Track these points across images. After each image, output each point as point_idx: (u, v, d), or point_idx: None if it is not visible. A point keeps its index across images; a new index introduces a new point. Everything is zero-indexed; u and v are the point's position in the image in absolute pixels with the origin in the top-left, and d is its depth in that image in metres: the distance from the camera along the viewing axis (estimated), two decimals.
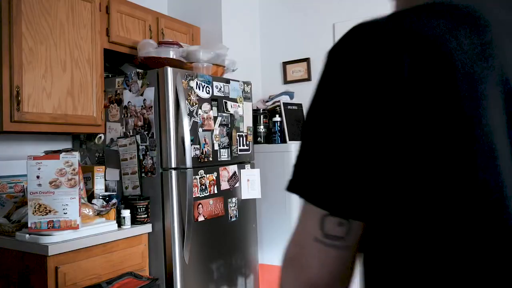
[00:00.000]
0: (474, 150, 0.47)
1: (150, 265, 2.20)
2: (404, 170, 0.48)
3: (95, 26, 2.30)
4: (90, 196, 2.28)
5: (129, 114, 2.29)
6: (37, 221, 1.80)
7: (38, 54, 2.03)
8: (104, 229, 2.01)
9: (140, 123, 2.25)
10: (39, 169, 1.81)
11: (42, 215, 1.80)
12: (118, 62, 2.66)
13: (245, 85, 2.66)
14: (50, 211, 1.80)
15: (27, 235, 1.83)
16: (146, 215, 2.18)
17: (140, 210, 2.17)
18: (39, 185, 1.80)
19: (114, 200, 2.18)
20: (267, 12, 3.46)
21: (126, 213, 2.13)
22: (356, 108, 0.49)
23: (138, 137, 2.25)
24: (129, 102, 2.29)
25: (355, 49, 0.51)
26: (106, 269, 1.97)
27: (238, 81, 2.61)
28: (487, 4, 0.53)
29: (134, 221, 2.16)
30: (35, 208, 1.80)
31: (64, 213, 1.81)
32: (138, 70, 2.32)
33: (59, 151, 2.28)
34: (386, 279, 0.52)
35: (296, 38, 3.32)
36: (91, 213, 2.02)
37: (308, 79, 3.24)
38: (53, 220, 1.81)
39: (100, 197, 2.22)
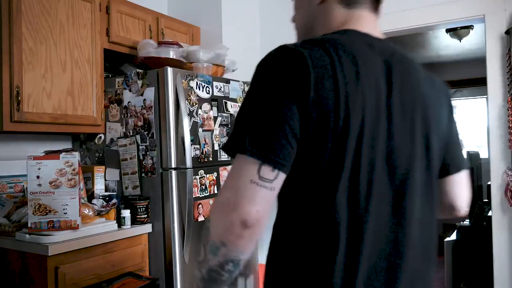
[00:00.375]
0: (343, 152, 0.73)
1: (150, 265, 2.20)
2: (303, 148, 0.74)
3: (95, 26, 2.30)
4: (90, 196, 2.28)
5: (129, 114, 2.29)
6: (37, 221, 1.80)
7: (38, 54, 2.03)
8: (104, 229, 2.01)
9: (140, 123, 2.25)
10: (39, 169, 1.81)
11: (42, 215, 1.80)
12: (118, 62, 2.66)
13: (245, 85, 2.66)
14: (50, 211, 1.80)
15: (27, 235, 1.83)
16: (146, 215, 2.18)
17: (140, 210, 2.17)
18: (39, 185, 1.80)
19: (114, 200, 2.18)
20: (267, 12, 3.46)
21: (126, 213, 2.13)
22: (291, 94, 0.73)
23: (138, 137, 2.25)
24: (129, 102, 2.29)
25: (279, 62, 0.77)
26: (106, 269, 1.97)
27: (238, 81, 2.61)
28: (356, 44, 0.80)
29: (134, 221, 2.16)
30: (35, 208, 1.80)
31: (64, 213, 1.81)
32: (138, 70, 2.32)
33: (59, 151, 2.28)
34: (287, 219, 0.80)
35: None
36: (91, 213, 2.02)
37: None
38: (53, 220, 1.81)
39: (100, 197, 2.22)
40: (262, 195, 0.71)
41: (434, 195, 0.87)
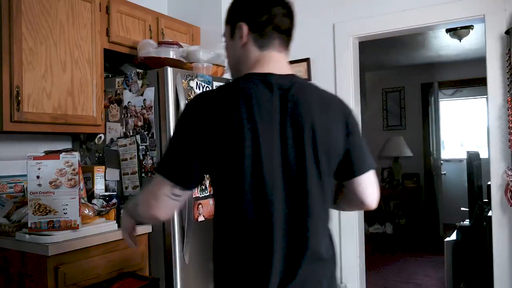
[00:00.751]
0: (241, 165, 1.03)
1: (150, 265, 2.20)
2: (211, 168, 1.07)
3: (95, 26, 2.30)
4: (90, 196, 2.28)
5: (129, 114, 2.29)
6: (37, 221, 1.80)
7: (38, 54, 2.03)
8: (104, 229, 2.01)
9: (140, 123, 2.25)
10: (39, 169, 1.81)
11: (42, 215, 1.80)
12: (118, 62, 2.66)
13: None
14: (50, 211, 1.80)
15: (27, 235, 1.83)
16: None
17: None
18: (39, 185, 1.80)
19: (114, 200, 2.18)
20: None
21: None
22: (191, 132, 1.05)
23: (138, 137, 2.25)
24: (129, 102, 2.29)
25: (194, 105, 1.08)
26: (106, 269, 1.97)
27: None
28: (252, 87, 1.07)
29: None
30: (35, 208, 1.80)
31: (64, 213, 1.81)
32: (138, 70, 2.32)
33: (59, 151, 2.28)
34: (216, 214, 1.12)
35: (296, 38, 3.28)
36: (91, 213, 2.02)
37: (308, 79, 3.23)
38: (53, 220, 1.81)
39: (100, 197, 2.22)
40: (172, 204, 1.09)
41: (327, 196, 1.12)
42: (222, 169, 1.05)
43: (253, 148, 1.02)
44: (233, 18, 1.16)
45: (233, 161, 1.03)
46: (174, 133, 1.09)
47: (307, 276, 1.05)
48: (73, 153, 1.87)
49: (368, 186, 1.20)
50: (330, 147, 1.10)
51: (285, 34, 1.17)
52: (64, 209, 1.81)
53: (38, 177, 1.80)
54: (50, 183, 1.80)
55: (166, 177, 1.06)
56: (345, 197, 1.24)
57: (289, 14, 1.16)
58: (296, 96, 1.08)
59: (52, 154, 1.85)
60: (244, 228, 1.04)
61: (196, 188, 2.22)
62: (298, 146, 1.06)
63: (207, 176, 1.12)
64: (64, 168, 1.82)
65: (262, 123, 1.03)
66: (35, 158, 1.82)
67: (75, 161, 1.83)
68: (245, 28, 1.13)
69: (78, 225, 1.84)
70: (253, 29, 1.13)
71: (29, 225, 1.81)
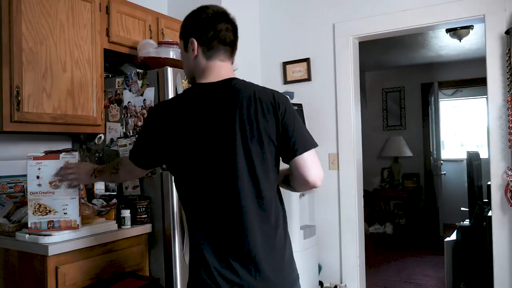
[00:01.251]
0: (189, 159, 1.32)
1: (150, 265, 2.20)
2: (161, 155, 1.39)
3: (95, 26, 2.30)
4: (90, 196, 2.28)
5: (129, 114, 2.29)
6: (37, 221, 1.80)
7: (38, 54, 2.03)
8: (104, 229, 2.01)
9: (140, 123, 2.25)
10: (39, 169, 1.80)
11: (42, 215, 1.80)
12: (118, 62, 2.66)
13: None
14: (50, 211, 1.80)
15: (27, 235, 1.83)
16: (146, 215, 2.18)
17: (140, 210, 2.17)
18: (39, 185, 1.80)
19: (114, 200, 2.18)
20: (267, 12, 3.46)
21: (126, 213, 2.13)
22: (149, 129, 1.39)
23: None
24: (129, 102, 2.29)
25: (154, 110, 1.41)
26: (106, 269, 1.97)
27: None
28: (190, 95, 1.38)
29: (134, 221, 2.16)
30: (35, 208, 1.80)
31: (64, 213, 1.81)
32: (138, 70, 2.32)
33: (59, 151, 2.28)
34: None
35: (296, 38, 3.32)
36: (91, 213, 2.02)
37: (308, 79, 3.24)
38: (53, 220, 1.80)
39: (100, 197, 2.22)
40: (138, 172, 1.57)
41: (260, 180, 1.32)
42: (169, 157, 1.37)
43: (191, 144, 1.31)
44: (185, 34, 1.40)
45: (176, 151, 1.33)
46: (141, 126, 1.56)
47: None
48: (73, 153, 1.87)
49: (309, 165, 1.34)
50: (261, 132, 1.30)
51: (229, 45, 1.40)
52: (64, 209, 1.81)
53: (38, 177, 1.80)
54: (50, 183, 1.80)
55: (133, 161, 1.47)
56: (293, 178, 1.41)
57: (232, 28, 1.41)
58: (229, 99, 1.32)
59: (52, 154, 1.85)
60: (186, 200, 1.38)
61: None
62: (230, 140, 1.29)
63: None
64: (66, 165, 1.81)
65: (199, 123, 1.31)
66: (35, 158, 1.82)
67: (75, 161, 1.83)
68: (195, 43, 1.37)
69: (78, 225, 1.83)
70: (202, 43, 1.36)
71: (29, 225, 1.81)
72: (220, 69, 1.37)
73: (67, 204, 1.80)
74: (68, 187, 1.78)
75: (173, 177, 1.45)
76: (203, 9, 1.41)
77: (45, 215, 1.80)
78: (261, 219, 1.33)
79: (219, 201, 1.31)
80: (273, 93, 1.37)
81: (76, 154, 1.86)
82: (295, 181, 1.40)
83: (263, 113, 1.31)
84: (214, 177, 1.30)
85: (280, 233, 1.37)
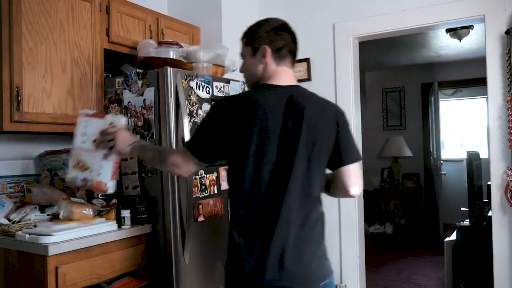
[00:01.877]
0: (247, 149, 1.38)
1: (150, 265, 2.20)
2: (225, 148, 1.44)
3: (95, 26, 2.30)
4: (90, 196, 2.28)
5: (129, 114, 2.29)
6: (74, 176, 1.79)
7: (38, 54, 2.03)
8: (104, 229, 2.01)
9: (140, 123, 2.25)
10: (85, 126, 1.80)
11: (80, 172, 1.78)
12: (118, 62, 2.66)
13: (245, 85, 2.66)
14: (86, 169, 1.78)
15: (27, 235, 1.83)
16: (146, 215, 2.18)
17: (140, 210, 2.17)
18: (84, 142, 1.78)
19: (114, 200, 2.18)
20: (267, 12, 3.46)
21: (126, 213, 2.13)
22: (215, 123, 1.44)
23: (138, 137, 2.25)
24: (129, 102, 2.29)
25: (222, 104, 1.49)
26: (106, 269, 1.97)
27: (238, 81, 2.61)
28: (261, 94, 1.45)
29: (134, 221, 2.16)
30: (75, 163, 1.79)
31: (98, 174, 1.77)
32: (138, 70, 2.32)
33: (60, 151, 2.28)
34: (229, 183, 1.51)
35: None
36: (91, 213, 2.02)
37: (308, 79, 3.24)
38: (87, 178, 1.78)
39: (100, 197, 2.22)
40: (195, 169, 1.56)
41: (313, 180, 1.43)
42: (233, 154, 1.43)
43: (258, 140, 1.38)
44: (256, 42, 1.51)
45: (241, 150, 1.39)
46: (201, 123, 1.52)
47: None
48: (120, 115, 1.85)
49: (352, 175, 1.48)
50: (322, 139, 1.43)
51: (293, 55, 1.55)
52: (98, 169, 1.77)
53: (84, 133, 1.79)
54: (94, 141, 1.76)
55: (193, 153, 1.48)
56: (334, 185, 1.53)
57: (295, 40, 1.56)
58: (296, 102, 1.42)
59: (100, 113, 1.86)
60: (242, 197, 1.42)
61: (197, 187, 2.23)
62: (295, 139, 1.39)
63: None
64: (107, 129, 1.75)
65: (267, 121, 1.39)
66: (86, 115, 1.82)
67: (119, 124, 1.77)
68: (268, 50, 1.49)
69: (108, 188, 1.78)
70: (274, 51, 1.49)
71: (66, 179, 1.82)
72: (287, 75, 1.52)
73: (102, 166, 1.77)
74: (106, 152, 1.73)
75: (228, 169, 1.50)
76: (268, 20, 1.55)
77: (82, 171, 1.78)
78: (303, 216, 1.41)
79: (273, 193, 1.39)
80: (335, 105, 1.55)
81: (123, 117, 1.82)
82: (336, 188, 1.53)
83: (325, 121, 1.45)
84: (274, 170, 1.39)
85: (318, 233, 1.51)
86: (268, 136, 1.38)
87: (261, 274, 1.35)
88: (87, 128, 1.80)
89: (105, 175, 1.78)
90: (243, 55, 1.57)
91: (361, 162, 1.52)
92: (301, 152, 1.39)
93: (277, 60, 1.50)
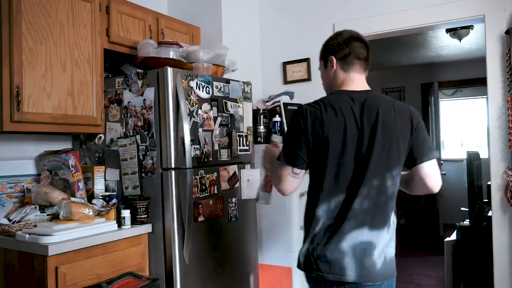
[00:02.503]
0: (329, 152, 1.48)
1: (150, 265, 2.20)
2: (314, 155, 1.49)
3: (95, 26, 2.30)
4: (90, 196, 2.28)
5: (129, 114, 2.29)
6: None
7: (38, 54, 2.03)
8: (104, 229, 2.01)
9: (140, 123, 2.25)
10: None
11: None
12: (118, 62, 2.66)
13: (245, 85, 2.66)
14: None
15: (27, 235, 1.83)
16: (146, 215, 2.18)
17: (140, 210, 2.17)
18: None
19: (114, 200, 2.18)
20: (267, 12, 3.46)
21: (126, 213, 2.13)
22: (301, 129, 1.49)
23: (138, 137, 2.25)
24: (129, 102, 2.29)
25: (305, 110, 1.51)
26: (106, 269, 1.97)
27: (238, 81, 2.61)
28: (338, 99, 1.52)
29: (134, 221, 2.16)
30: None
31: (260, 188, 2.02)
32: (138, 70, 2.32)
33: (60, 151, 2.28)
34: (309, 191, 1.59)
35: (296, 38, 3.32)
36: (91, 213, 2.02)
37: (308, 79, 3.24)
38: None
39: (100, 197, 2.22)
40: (294, 181, 1.54)
41: (390, 178, 1.51)
42: (318, 155, 1.49)
43: (341, 141, 1.47)
44: (326, 54, 1.65)
45: (323, 152, 1.48)
46: (287, 132, 1.58)
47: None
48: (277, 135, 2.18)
49: (430, 172, 1.55)
50: (398, 139, 1.50)
51: (363, 60, 1.60)
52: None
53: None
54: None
55: (288, 163, 1.51)
56: (413, 182, 1.61)
57: (365, 46, 1.61)
58: (370, 105, 1.51)
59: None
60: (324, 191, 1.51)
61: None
62: (371, 139, 1.47)
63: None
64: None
65: (346, 124, 1.47)
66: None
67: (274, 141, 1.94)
68: (334, 59, 1.60)
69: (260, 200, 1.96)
70: (340, 59, 1.59)
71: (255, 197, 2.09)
72: (358, 80, 1.60)
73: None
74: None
75: (310, 170, 1.57)
76: (339, 33, 1.67)
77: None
78: (377, 211, 1.50)
79: (352, 191, 1.48)
80: (408, 106, 1.60)
81: (277, 136, 1.91)
82: (414, 184, 1.61)
83: (401, 121, 1.52)
84: (354, 170, 1.48)
85: (390, 228, 1.56)
86: (345, 138, 1.47)
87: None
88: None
89: (256, 188, 2.00)
90: (319, 69, 1.71)
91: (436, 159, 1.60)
92: (377, 151, 1.47)
93: (344, 67, 1.59)
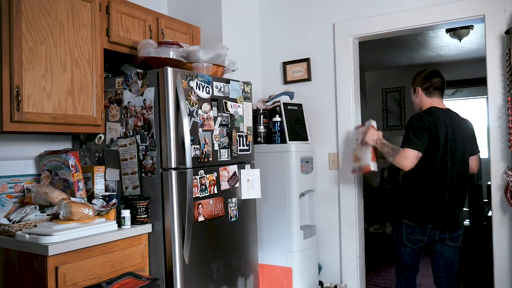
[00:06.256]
0: (438, 153, 2.43)
1: (150, 265, 2.20)
2: (428, 151, 2.43)
3: (95, 26, 2.30)
4: (90, 196, 2.28)
5: (129, 114, 2.29)
6: (354, 167, 2.82)
7: (38, 54, 2.03)
8: (104, 229, 2.01)
9: (140, 123, 2.25)
10: (357, 133, 2.93)
11: (357, 163, 2.78)
12: (118, 62, 2.66)
13: (245, 85, 2.66)
14: (359, 160, 2.76)
15: (27, 235, 1.83)
16: (146, 215, 2.18)
17: (140, 210, 2.17)
18: (356, 144, 2.91)
19: (114, 200, 2.18)
20: (267, 12, 3.46)
21: (126, 213, 2.13)
22: (421, 131, 2.41)
23: (138, 137, 2.25)
24: (129, 102, 2.29)
25: (418, 118, 2.46)
26: (106, 269, 1.97)
27: (238, 81, 2.61)
28: (437, 113, 2.46)
29: (134, 221, 2.16)
30: (354, 158, 2.82)
31: (364, 161, 2.69)
32: (138, 70, 2.32)
33: (60, 151, 2.28)
34: (409, 181, 2.55)
35: (296, 38, 3.32)
36: (91, 213, 2.02)
37: (308, 79, 3.24)
38: (360, 166, 2.74)
39: (100, 197, 2.22)
40: (415, 161, 2.37)
41: (467, 164, 2.51)
42: (428, 152, 2.39)
43: (441, 144, 2.39)
44: (415, 85, 2.58)
45: (433, 149, 2.39)
46: (411, 131, 2.41)
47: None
48: (371, 120, 2.81)
49: (474, 161, 2.59)
50: (470, 144, 2.54)
51: (440, 90, 2.55)
52: (364, 158, 2.70)
53: (356, 139, 2.93)
54: (361, 142, 2.79)
55: (415, 149, 2.35)
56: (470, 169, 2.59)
57: (442, 80, 2.55)
58: (449, 120, 2.46)
59: (362, 125, 2.94)
60: (430, 186, 2.42)
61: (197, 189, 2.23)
62: (456, 144, 2.43)
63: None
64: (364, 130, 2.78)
65: (442, 131, 2.39)
66: (356, 127, 3.03)
67: (369, 125, 2.76)
68: (420, 90, 2.56)
69: (370, 168, 2.67)
70: (424, 89, 2.55)
71: (351, 171, 2.92)
72: (438, 103, 2.54)
73: (365, 155, 2.69)
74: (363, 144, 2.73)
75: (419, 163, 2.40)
76: (424, 70, 2.59)
77: (358, 163, 2.76)
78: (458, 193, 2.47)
79: (448, 177, 2.42)
80: (468, 121, 2.59)
81: (372, 121, 2.75)
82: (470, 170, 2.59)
83: (466, 129, 2.53)
84: (448, 163, 2.42)
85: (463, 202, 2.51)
86: (438, 140, 2.38)
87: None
88: (357, 135, 2.87)
89: (366, 160, 2.68)
90: (410, 94, 2.65)
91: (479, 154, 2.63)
92: (459, 154, 2.45)
93: (427, 95, 2.53)
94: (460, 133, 2.42)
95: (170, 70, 2.16)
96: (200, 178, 2.28)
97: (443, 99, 2.55)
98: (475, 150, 2.55)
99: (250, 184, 2.61)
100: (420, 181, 2.42)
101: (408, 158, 2.34)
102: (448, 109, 2.51)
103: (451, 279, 2.54)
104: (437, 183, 2.38)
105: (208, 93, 2.37)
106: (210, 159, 2.36)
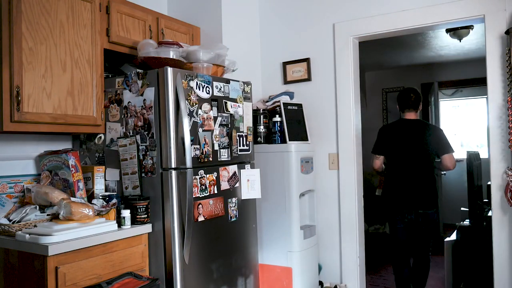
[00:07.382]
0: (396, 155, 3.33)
1: (150, 265, 2.21)
2: (388, 155, 3.38)
3: (95, 26, 2.30)
4: (90, 196, 2.28)
5: (129, 114, 2.29)
6: None
7: (38, 54, 2.03)
8: (104, 229, 2.01)
9: (140, 123, 2.25)
10: None
11: None
12: (118, 62, 2.66)
13: (245, 85, 2.66)
14: None
15: (27, 235, 1.83)
16: (146, 215, 2.19)
17: (140, 210, 2.17)
18: None
19: (114, 200, 2.18)
20: (267, 12, 3.46)
21: (126, 213, 2.13)
22: (381, 140, 3.40)
23: (138, 137, 2.25)
24: (129, 102, 2.29)
25: (382, 130, 3.49)
26: (106, 269, 1.97)
27: (238, 81, 2.61)
28: (399, 124, 3.40)
29: (134, 221, 2.16)
30: None
31: None
32: (138, 70, 2.32)
33: (60, 151, 2.28)
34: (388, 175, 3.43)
35: (296, 38, 3.32)
36: (91, 213, 2.02)
37: (308, 79, 3.24)
38: None
39: (100, 197, 2.22)
40: (379, 161, 3.41)
41: (430, 164, 3.26)
42: (390, 156, 3.31)
43: (400, 149, 3.23)
44: (397, 102, 3.41)
45: (392, 154, 3.28)
46: (376, 138, 3.37)
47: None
48: None
49: (445, 161, 3.21)
50: (433, 147, 3.20)
51: (412, 107, 3.29)
52: None
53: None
54: None
55: (375, 153, 3.34)
56: (441, 165, 3.28)
57: (415, 97, 3.30)
58: (414, 128, 3.24)
59: None
60: (396, 179, 3.29)
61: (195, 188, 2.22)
62: (418, 148, 3.19)
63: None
64: None
65: (402, 139, 3.23)
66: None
67: None
68: (398, 107, 3.37)
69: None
70: (399, 108, 3.36)
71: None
72: (409, 116, 3.29)
73: None
74: None
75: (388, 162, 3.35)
76: (408, 91, 3.37)
77: None
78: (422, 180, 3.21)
79: (409, 172, 3.20)
80: (435, 127, 3.47)
81: None
82: (442, 166, 3.31)
83: (431, 138, 3.20)
84: (409, 161, 3.19)
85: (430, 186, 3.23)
86: (403, 146, 3.18)
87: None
88: None
89: None
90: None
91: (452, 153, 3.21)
92: (420, 154, 3.18)
93: (403, 110, 3.32)
94: (421, 138, 3.19)
95: (170, 70, 2.16)
96: (200, 178, 2.28)
97: (417, 112, 3.35)
98: (445, 150, 3.18)
99: (250, 184, 2.61)
100: (390, 174, 3.34)
101: (373, 161, 3.36)
102: (418, 120, 3.33)
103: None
104: (399, 176, 3.25)
105: (208, 93, 2.37)
106: (210, 159, 2.36)
